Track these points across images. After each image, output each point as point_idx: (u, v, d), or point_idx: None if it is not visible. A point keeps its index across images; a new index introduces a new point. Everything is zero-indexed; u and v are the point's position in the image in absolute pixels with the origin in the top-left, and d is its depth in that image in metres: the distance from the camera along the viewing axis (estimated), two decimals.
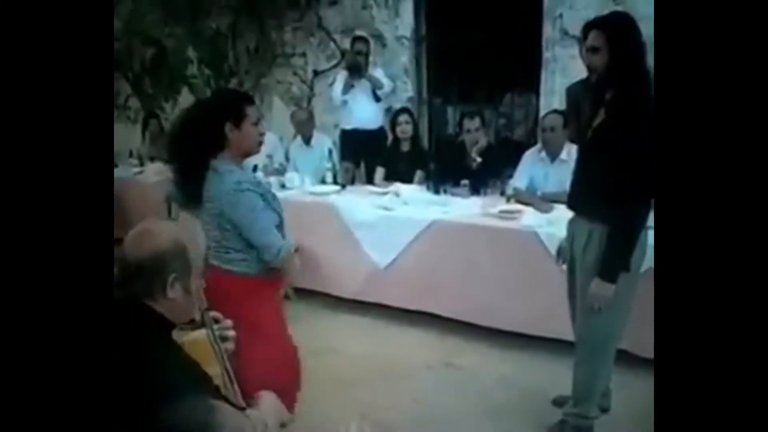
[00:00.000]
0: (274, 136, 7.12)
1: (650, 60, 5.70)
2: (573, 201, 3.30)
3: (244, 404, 1.74)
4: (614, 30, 2.94)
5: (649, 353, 3.88)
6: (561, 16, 6.65)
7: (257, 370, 3.12)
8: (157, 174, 6.86)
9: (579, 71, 3.15)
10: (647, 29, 5.72)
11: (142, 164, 7.33)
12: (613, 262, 3.00)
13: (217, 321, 2.05)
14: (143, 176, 6.84)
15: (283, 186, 5.69)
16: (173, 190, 3.24)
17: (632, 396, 3.78)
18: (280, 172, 5.99)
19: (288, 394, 3.17)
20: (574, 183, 3.27)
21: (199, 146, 2.95)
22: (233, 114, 2.95)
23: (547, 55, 6.85)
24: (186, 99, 8.71)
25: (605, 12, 3.22)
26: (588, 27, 3.02)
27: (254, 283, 3.07)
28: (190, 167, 2.98)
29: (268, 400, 1.82)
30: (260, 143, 3.10)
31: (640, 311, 3.55)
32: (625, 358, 3.77)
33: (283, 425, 1.83)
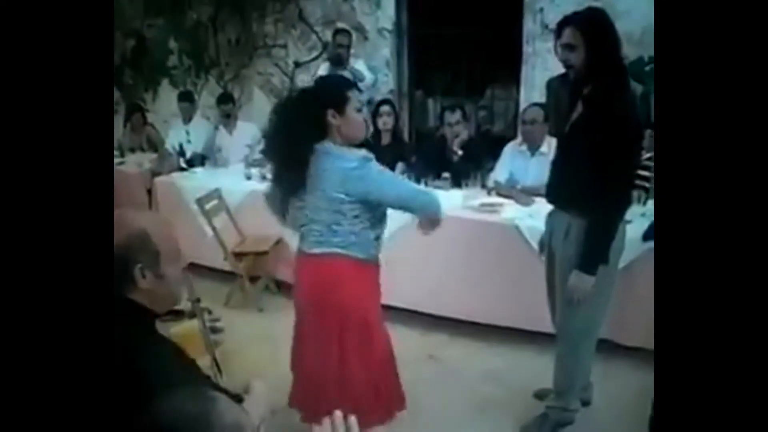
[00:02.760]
0: (255, 126, 7.12)
1: (650, 53, 5.71)
2: (551, 194, 3.33)
3: (233, 394, 1.74)
4: (590, 27, 2.95)
5: (631, 341, 3.97)
6: (542, 10, 6.70)
7: (364, 356, 3.11)
8: (137, 164, 6.85)
9: (559, 65, 3.16)
10: (626, 25, 5.78)
11: (122, 155, 7.29)
12: (593, 255, 3.03)
13: (209, 312, 2.05)
14: (124, 167, 6.79)
15: (264, 177, 5.67)
16: (271, 188, 3.19)
17: (613, 389, 3.83)
18: (261, 163, 5.98)
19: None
20: (553, 176, 3.30)
21: (300, 135, 2.86)
22: (335, 100, 2.88)
23: (527, 48, 6.90)
24: (166, 90, 8.69)
25: (585, 6, 3.23)
26: (563, 24, 3.02)
27: (361, 265, 3.02)
28: (291, 156, 2.90)
29: (258, 388, 1.82)
30: (365, 129, 3.04)
31: (619, 304, 3.61)
32: (606, 350, 3.82)
33: (273, 413, 1.83)
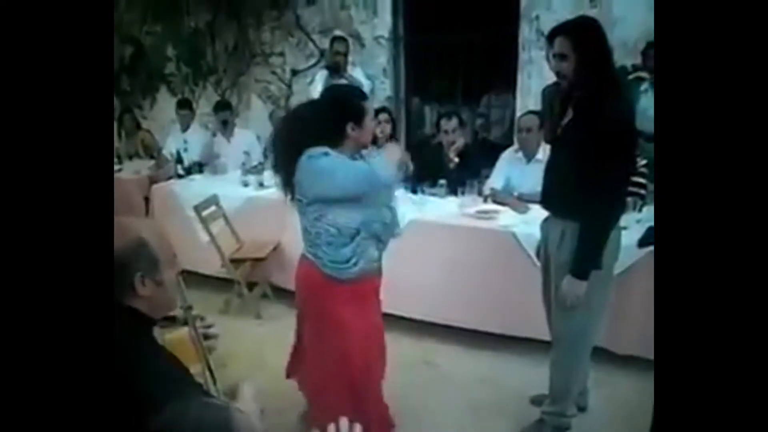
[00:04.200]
0: (252, 134, 7.14)
1: (635, 61, 5.69)
2: (546, 200, 3.32)
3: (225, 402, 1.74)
4: (580, 35, 2.95)
5: (627, 350, 3.97)
6: (537, 17, 6.73)
7: (318, 368, 3.10)
8: (135, 171, 6.85)
9: None
10: (622, 31, 5.79)
11: (120, 162, 7.29)
12: (584, 260, 3.03)
13: (201, 318, 2.05)
14: (122, 174, 6.79)
15: (261, 184, 5.69)
16: None
17: (609, 394, 3.84)
18: (259, 170, 5.99)
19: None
20: (546, 182, 3.30)
21: (315, 146, 2.84)
22: (355, 113, 2.88)
23: (523, 56, 6.91)
24: (164, 97, 8.70)
25: (581, 13, 3.25)
26: (554, 33, 3.03)
27: (330, 281, 2.96)
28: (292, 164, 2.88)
29: (247, 391, 1.83)
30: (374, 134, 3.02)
31: (615, 310, 3.62)
32: (602, 356, 3.82)
33: (261, 411, 1.83)
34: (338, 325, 3.01)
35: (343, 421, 1.50)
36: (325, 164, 2.80)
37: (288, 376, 3.49)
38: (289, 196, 3.01)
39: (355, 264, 2.96)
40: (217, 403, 1.30)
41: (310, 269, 3.00)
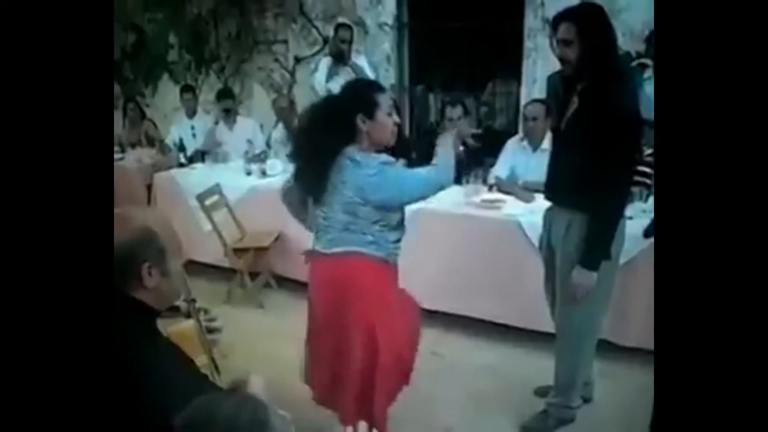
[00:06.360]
0: (254, 122, 7.12)
1: (639, 48, 5.66)
2: (550, 190, 3.31)
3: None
4: (585, 21, 2.94)
5: (629, 342, 3.96)
6: (543, 4, 6.68)
7: (387, 344, 3.05)
8: (137, 160, 6.83)
9: None
10: (628, 19, 5.75)
11: (123, 150, 7.27)
12: (595, 251, 3.01)
13: (205, 311, 2.04)
14: (124, 162, 6.78)
15: (264, 173, 5.67)
16: (289, 187, 3.17)
17: (614, 386, 3.82)
18: (262, 159, 5.97)
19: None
20: (551, 172, 3.29)
21: (328, 139, 2.84)
22: (365, 105, 2.85)
23: (528, 44, 6.87)
24: (166, 85, 8.67)
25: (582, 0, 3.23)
26: (558, 19, 3.01)
27: (379, 265, 2.99)
28: (317, 160, 2.88)
29: (256, 384, 1.81)
30: (394, 133, 2.96)
31: (620, 302, 3.59)
32: (607, 348, 3.80)
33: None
34: (394, 310, 3.11)
35: (362, 425, 1.50)
36: (391, 174, 2.85)
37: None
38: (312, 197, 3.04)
39: (398, 247, 3.09)
40: (255, 399, 1.27)
41: (357, 259, 2.95)
